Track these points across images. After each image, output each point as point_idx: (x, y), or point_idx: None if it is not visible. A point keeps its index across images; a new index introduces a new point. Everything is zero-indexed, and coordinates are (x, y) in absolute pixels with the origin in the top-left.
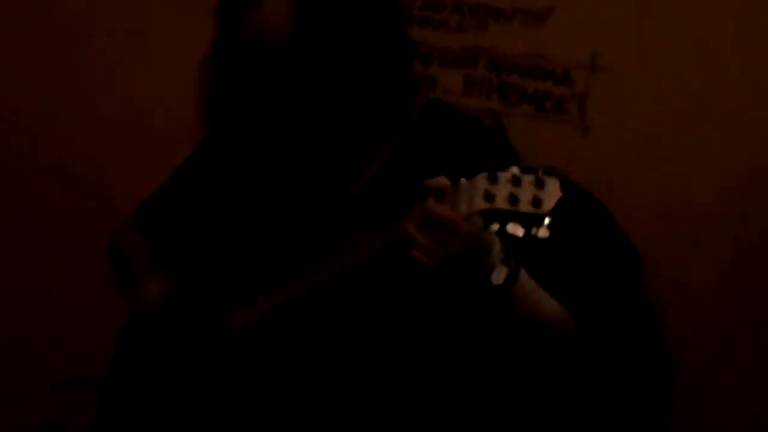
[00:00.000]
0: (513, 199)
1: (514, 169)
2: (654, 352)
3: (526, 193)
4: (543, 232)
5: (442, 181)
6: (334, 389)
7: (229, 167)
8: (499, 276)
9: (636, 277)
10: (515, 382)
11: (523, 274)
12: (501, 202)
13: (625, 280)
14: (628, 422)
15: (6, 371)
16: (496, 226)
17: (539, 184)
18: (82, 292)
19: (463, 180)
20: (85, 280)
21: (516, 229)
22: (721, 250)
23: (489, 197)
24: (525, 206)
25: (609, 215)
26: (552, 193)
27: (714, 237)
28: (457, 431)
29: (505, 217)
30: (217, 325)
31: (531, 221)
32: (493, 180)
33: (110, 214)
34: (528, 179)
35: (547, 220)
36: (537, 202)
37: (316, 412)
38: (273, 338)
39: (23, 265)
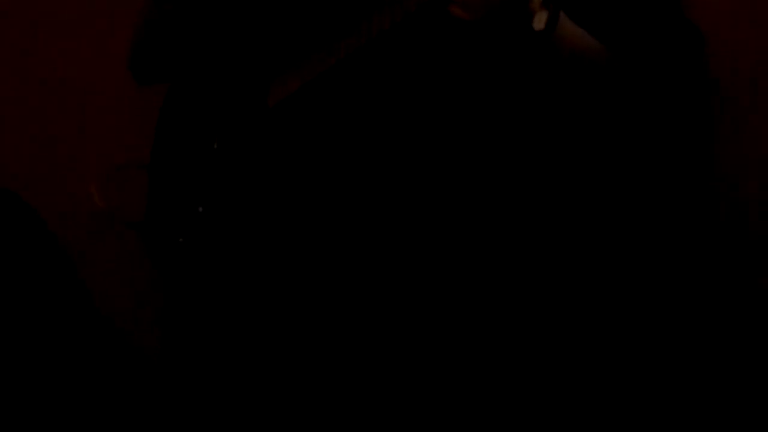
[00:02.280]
0: None
1: None
2: (693, 70)
3: None
4: None
5: None
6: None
7: None
8: (540, 21)
9: None
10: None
11: (563, 16)
12: None
13: None
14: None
15: (56, 159)
16: None
17: None
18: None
19: None
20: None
21: None
22: None
23: None
24: None
25: None
26: None
27: None
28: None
29: None
30: (254, 102)
31: None
32: None
33: None
34: None
35: None
36: None
37: (360, 197)
38: (313, 112)
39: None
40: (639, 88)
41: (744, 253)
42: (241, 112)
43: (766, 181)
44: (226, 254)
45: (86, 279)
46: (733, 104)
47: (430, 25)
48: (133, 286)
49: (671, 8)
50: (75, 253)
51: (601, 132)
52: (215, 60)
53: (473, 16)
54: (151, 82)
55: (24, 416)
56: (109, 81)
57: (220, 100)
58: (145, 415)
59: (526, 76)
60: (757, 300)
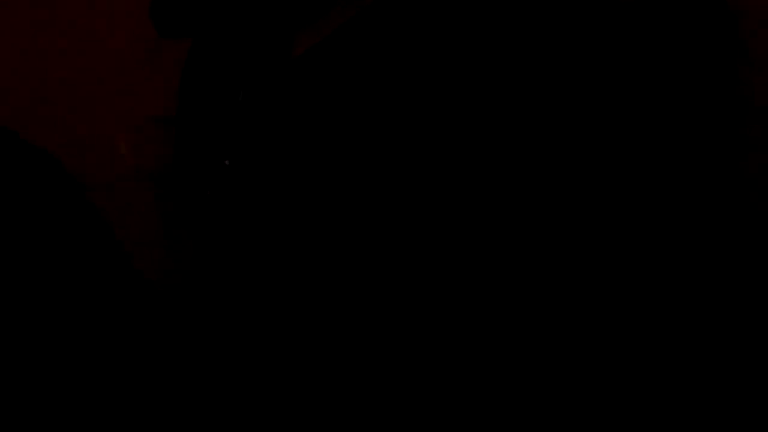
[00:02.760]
0: None
1: None
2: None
3: None
4: None
5: None
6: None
7: None
8: None
9: None
10: None
11: None
12: None
13: None
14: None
15: (78, 116)
16: None
17: None
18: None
19: None
20: None
21: None
22: None
23: None
24: None
25: None
26: None
27: None
28: None
29: None
30: (278, 52)
31: None
32: None
33: None
34: None
35: None
36: None
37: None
38: (342, 62)
39: None
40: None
41: None
42: (267, 62)
43: None
44: (252, 208)
45: (115, 235)
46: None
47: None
48: (162, 241)
49: None
50: (103, 209)
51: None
52: (239, 8)
53: None
54: (173, 34)
55: (63, 367)
56: (131, 34)
57: (244, 51)
58: (175, 369)
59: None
60: None
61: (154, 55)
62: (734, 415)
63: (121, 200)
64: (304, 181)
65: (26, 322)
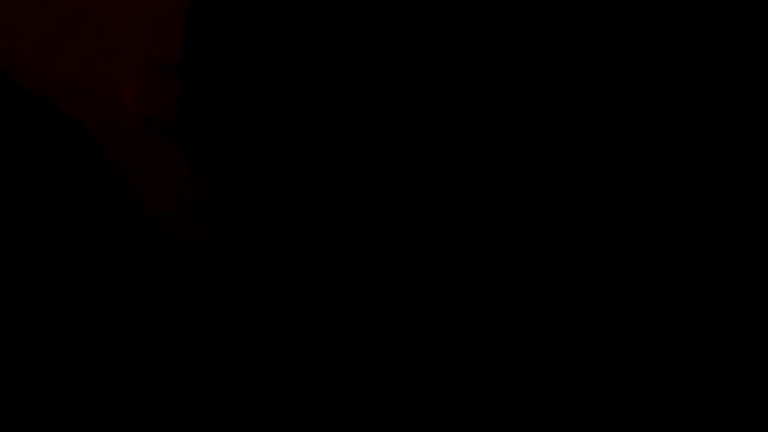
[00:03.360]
0: None
1: None
2: None
3: None
4: None
5: None
6: None
7: None
8: None
9: None
10: None
11: None
12: None
13: None
14: None
15: (83, 65)
16: None
17: None
18: None
19: None
20: None
21: None
22: None
23: None
24: None
25: None
26: None
27: None
28: None
29: None
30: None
31: None
32: None
33: None
34: None
35: None
36: None
37: None
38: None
39: None
40: None
41: None
42: (271, 8)
43: None
44: (260, 156)
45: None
46: None
47: None
48: (172, 189)
49: None
50: (111, 159)
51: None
52: None
53: None
54: None
55: (73, 314)
56: None
57: None
58: (187, 319)
59: None
60: None
61: (158, 3)
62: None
63: (127, 150)
64: (316, 130)
65: (31, 266)
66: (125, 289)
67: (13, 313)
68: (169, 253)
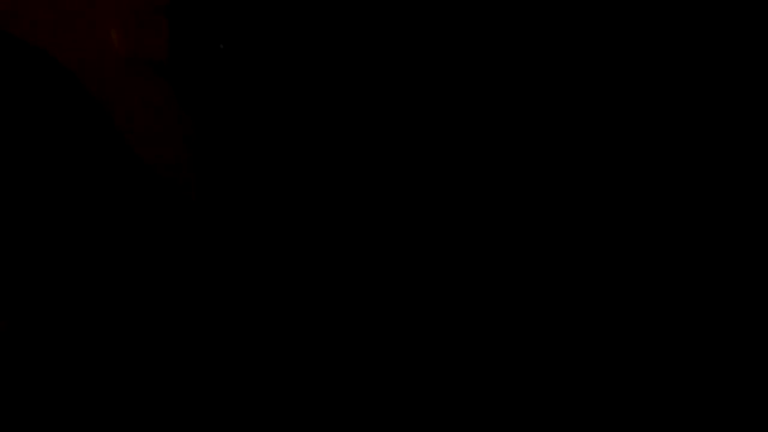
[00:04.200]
0: None
1: None
2: None
3: None
4: None
5: None
6: None
7: None
8: None
9: None
10: None
11: None
12: None
13: None
14: None
15: (71, 7)
16: None
17: None
18: None
19: None
20: None
21: None
22: None
23: None
24: None
25: None
26: None
27: None
28: None
29: None
30: None
31: None
32: None
33: None
34: None
35: None
36: None
37: None
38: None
39: None
40: None
41: None
42: None
43: None
44: (248, 94)
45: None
46: None
47: None
48: (163, 130)
49: None
50: (101, 101)
51: None
52: None
53: None
54: None
55: (70, 257)
56: None
57: None
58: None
59: None
60: None
61: None
62: None
63: (116, 92)
64: (300, 65)
65: (28, 205)
66: (117, 225)
67: (11, 247)
68: (161, 191)
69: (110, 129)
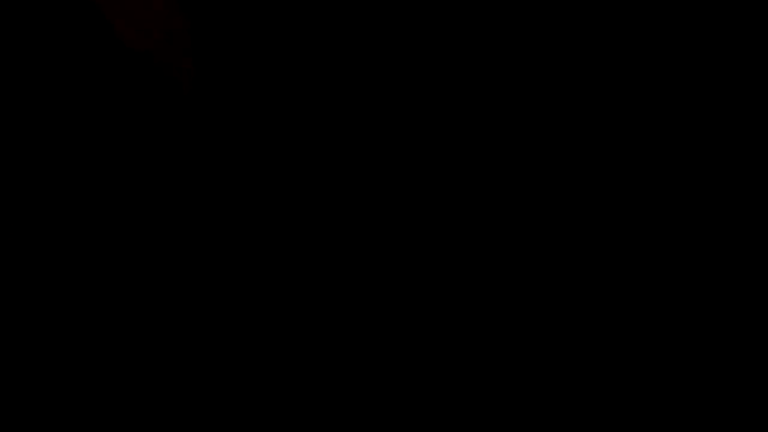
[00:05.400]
0: None
1: None
2: None
3: None
4: None
5: None
6: None
7: None
8: None
9: None
10: None
11: None
12: None
13: None
14: None
15: None
16: None
17: None
18: None
19: None
20: None
21: None
22: None
23: None
24: None
25: None
26: None
27: None
28: None
29: None
30: None
31: None
32: None
33: None
34: None
35: None
36: None
37: None
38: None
39: None
40: None
41: None
42: None
43: None
44: None
45: (113, 17)
46: None
47: None
48: (163, 20)
49: None
50: None
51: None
52: None
53: None
54: None
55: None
56: None
57: None
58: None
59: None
60: None
61: None
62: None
63: None
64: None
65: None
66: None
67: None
68: (152, 85)
69: (99, 20)
